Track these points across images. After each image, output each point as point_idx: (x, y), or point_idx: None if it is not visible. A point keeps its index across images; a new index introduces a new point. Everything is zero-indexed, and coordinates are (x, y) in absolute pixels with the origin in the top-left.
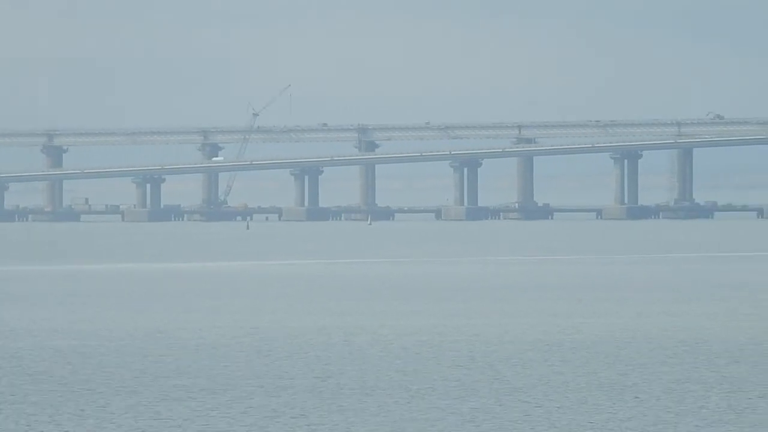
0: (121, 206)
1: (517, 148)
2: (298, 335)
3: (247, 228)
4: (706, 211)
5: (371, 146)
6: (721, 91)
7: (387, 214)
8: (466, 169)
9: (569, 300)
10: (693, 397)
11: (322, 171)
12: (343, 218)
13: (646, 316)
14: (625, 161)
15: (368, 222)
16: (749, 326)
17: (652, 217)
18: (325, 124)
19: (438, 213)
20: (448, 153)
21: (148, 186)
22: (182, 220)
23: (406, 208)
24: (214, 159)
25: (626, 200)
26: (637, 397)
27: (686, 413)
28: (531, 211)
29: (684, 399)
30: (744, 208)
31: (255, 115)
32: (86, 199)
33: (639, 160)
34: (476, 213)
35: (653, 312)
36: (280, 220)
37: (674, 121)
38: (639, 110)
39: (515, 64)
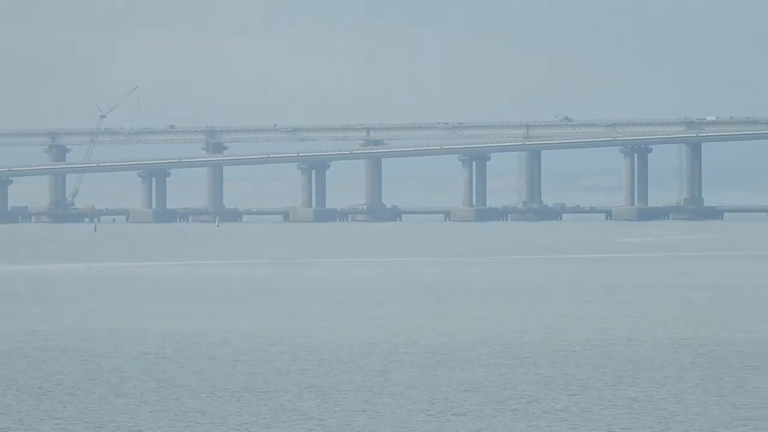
0: None
1: (365, 150)
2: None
3: (95, 230)
4: (554, 213)
5: (219, 148)
6: (570, 93)
7: (235, 215)
8: (314, 171)
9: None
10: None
11: (170, 173)
12: (191, 220)
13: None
14: (474, 163)
15: (216, 224)
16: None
17: (501, 219)
18: (172, 126)
19: (286, 215)
20: (296, 155)
21: None
22: (29, 221)
23: (254, 210)
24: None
25: (475, 202)
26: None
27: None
28: (379, 212)
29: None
30: (592, 210)
31: (102, 117)
32: None
33: (487, 162)
34: (324, 215)
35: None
36: (127, 221)
37: (523, 123)
38: (488, 113)
39: (364, 67)
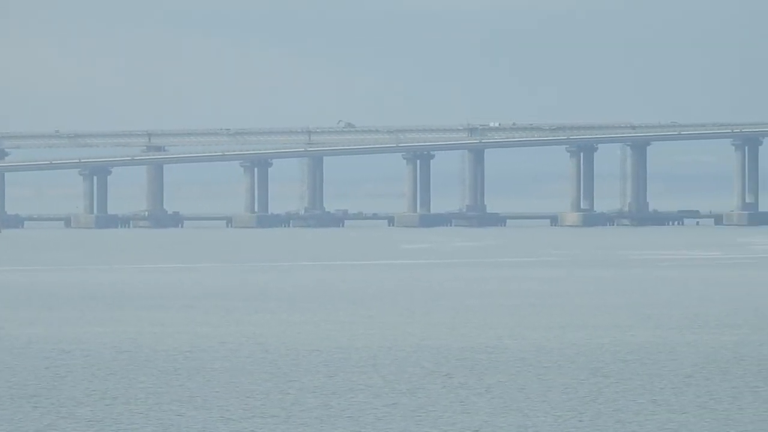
0: None
1: (146, 156)
2: None
3: None
4: (336, 220)
5: (1, 154)
6: (354, 100)
7: (17, 221)
8: (95, 177)
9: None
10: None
11: None
12: None
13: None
14: (256, 170)
15: None
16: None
17: (283, 225)
18: None
19: (68, 221)
20: (78, 161)
21: None
22: None
23: (35, 216)
24: None
25: (257, 208)
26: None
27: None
28: (161, 219)
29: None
30: (375, 217)
31: None
32: None
33: (270, 169)
34: (106, 221)
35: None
36: None
37: (305, 129)
38: (271, 119)
39: (147, 73)
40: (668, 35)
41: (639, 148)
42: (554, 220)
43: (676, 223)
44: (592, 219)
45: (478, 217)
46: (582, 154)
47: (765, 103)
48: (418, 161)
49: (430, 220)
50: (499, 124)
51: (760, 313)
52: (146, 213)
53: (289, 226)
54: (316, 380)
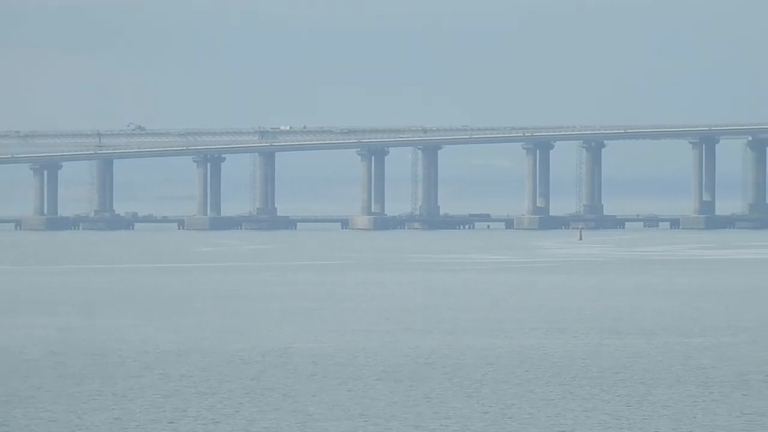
0: None
1: None
2: None
3: None
4: (126, 222)
5: None
6: (144, 102)
7: None
8: None
9: None
10: None
11: None
12: None
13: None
14: (45, 172)
15: None
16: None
17: (72, 228)
18: None
19: None
20: None
21: None
22: None
23: None
24: None
25: (46, 211)
26: None
27: None
28: None
29: None
30: (165, 220)
31: None
32: None
33: (59, 171)
34: None
35: None
36: None
37: (95, 131)
38: (61, 121)
39: None
40: (456, 38)
41: (430, 151)
42: (345, 223)
43: (467, 226)
44: (383, 222)
45: (269, 220)
46: (373, 158)
47: (556, 107)
48: (208, 164)
49: (221, 224)
50: (291, 128)
51: (554, 317)
52: None
53: (78, 228)
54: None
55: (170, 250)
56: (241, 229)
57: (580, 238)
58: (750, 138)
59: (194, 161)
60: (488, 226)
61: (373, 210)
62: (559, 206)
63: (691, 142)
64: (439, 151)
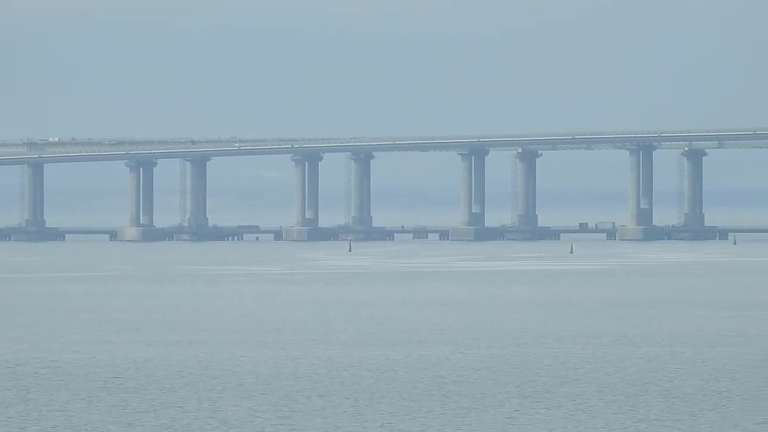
0: None
1: None
2: None
3: None
4: None
5: None
6: None
7: None
8: None
9: None
10: None
11: None
12: None
13: None
14: None
15: None
16: None
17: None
18: None
19: None
20: None
21: None
22: None
23: None
24: None
25: None
26: None
27: None
28: None
29: None
30: None
31: None
32: None
33: None
34: None
35: None
36: None
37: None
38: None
39: None
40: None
41: (198, 163)
42: (114, 235)
43: (235, 238)
44: (151, 234)
45: (38, 231)
46: (141, 169)
47: (320, 120)
48: None
49: None
50: (59, 139)
51: (328, 327)
52: None
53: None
54: None
55: None
56: (9, 240)
57: (350, 250)
58: (520, 150)
59: None
60: (257, 238)
61: (141, 221)
62: (329, 218)
63: (460, 154)
64: (207, 163)
